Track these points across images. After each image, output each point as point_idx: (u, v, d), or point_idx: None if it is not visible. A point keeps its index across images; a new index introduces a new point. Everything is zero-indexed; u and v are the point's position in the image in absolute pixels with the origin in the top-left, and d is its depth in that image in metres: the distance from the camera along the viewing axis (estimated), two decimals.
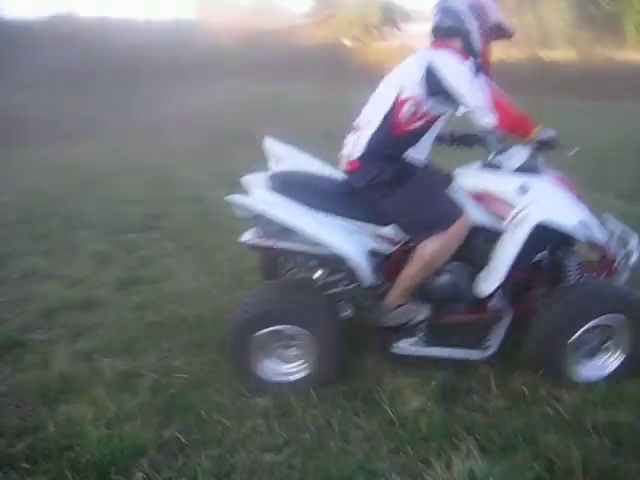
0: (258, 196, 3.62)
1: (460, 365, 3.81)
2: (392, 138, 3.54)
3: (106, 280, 5.53)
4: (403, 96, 3.46)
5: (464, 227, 3.51)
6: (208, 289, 5.31)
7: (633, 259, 3.80)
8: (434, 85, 3.38)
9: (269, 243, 3.60)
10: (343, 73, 23.87)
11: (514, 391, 3.64)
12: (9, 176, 9.80)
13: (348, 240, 3.51)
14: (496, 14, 3.57)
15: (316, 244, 3.45)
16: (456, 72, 3.34)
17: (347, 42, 28.07)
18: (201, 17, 29.15)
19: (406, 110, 3.47)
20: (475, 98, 3.31)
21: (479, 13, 3.53)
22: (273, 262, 4.37)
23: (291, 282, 4.21)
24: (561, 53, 23.36)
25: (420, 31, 33.16)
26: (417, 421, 3.33)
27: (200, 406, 3.50)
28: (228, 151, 11.43)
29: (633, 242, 3.83)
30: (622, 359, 3.64)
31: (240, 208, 3.52)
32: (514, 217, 3.51)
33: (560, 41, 25.35)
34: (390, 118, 3.51)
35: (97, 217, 7.42)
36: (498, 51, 24.03)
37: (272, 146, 3.95)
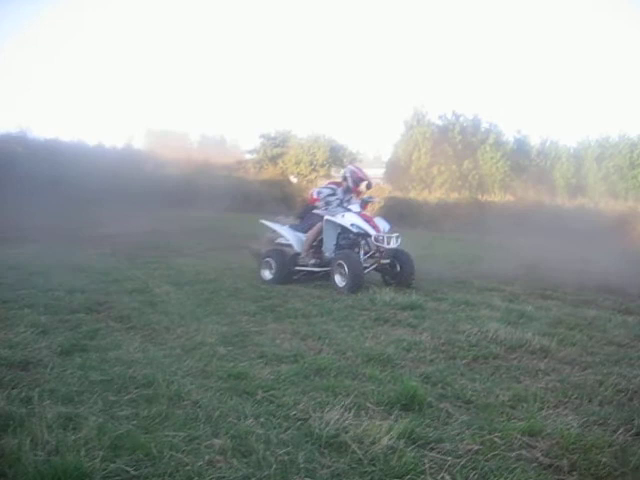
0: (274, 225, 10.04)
1: (433, 417, 3.74)
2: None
3: (48, 346, 5.18)
4: None
5: (318, 228, 9.36)
6: (157, 358, 5.02)
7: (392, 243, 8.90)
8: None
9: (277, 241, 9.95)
10: (288, 207, 24.44)
11: (486, 440, 3.46)
12: None
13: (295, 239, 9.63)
14: (361, 175, 9.83)
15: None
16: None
17: (293, 179, 28.97)
18: (151, 147, 29.70)
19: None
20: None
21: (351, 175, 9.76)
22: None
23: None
24: (497, 197, 24.57)
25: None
26: (388, 460, 3.12)
27: (150, 444, 3.20)
28: (170, 259, 11.35)
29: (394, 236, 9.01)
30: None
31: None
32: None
33: (496, 186, 26.72)
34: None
35: (40, 300, 7.02)
36: (438, 193, 25.46)
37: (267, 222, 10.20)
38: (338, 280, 8.72)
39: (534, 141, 32.12)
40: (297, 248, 9.57)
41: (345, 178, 9.72)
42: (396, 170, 28.88)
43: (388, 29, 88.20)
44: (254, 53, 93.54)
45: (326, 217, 9.27)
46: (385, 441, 3.29)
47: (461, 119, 29.98)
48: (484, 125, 30.45)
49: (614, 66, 73.11)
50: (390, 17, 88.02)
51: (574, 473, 3.12)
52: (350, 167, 10.36)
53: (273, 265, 9.37)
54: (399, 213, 20.40)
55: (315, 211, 9.70)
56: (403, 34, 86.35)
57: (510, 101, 69.91)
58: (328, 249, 9.24)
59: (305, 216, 9.92)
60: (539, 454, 3.32)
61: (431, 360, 5.24)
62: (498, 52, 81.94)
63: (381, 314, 6.86)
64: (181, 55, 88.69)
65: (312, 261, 9.42)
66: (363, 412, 3.85)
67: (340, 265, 8.70)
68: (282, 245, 9.80)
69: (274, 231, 10.02)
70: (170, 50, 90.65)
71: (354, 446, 3.27)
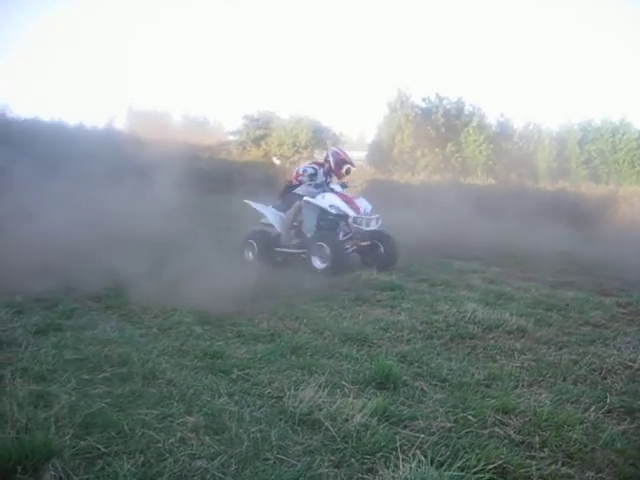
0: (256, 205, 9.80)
1: (407, 395, 3.80)
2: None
3: (23, 325, 5.12)
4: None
5: (296, 208, 9.21)
6: (134, 337, 4.99)
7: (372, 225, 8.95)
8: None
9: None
10: (271, 189, 24.31)
11: (460, 417, 3.48)
12: None
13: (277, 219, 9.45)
14: (344, 156, 9.51)
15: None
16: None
17: (276, 160, 28.79)
18: (132, 128, 29.34)
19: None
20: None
21: (334, 156, 9.49)
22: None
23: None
24: (480, 181, 24.58)
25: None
26: (361, 437, 3.12)
27: (122, 422, 3.18)
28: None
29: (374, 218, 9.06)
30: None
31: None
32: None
33: (479, 169, 26.73)
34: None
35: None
36: (422, 175, 25.44)
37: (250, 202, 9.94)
38: (317, 263, 8.66)
39: (517, 124, 32.20)
40: (279, 229, 9.47)
41: (327, 160, 9.60)
42: (379, 152, 28.76)
43: (372, 10, 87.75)
44: (238, 34, 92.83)
45: (305, 198, 9.22)
46: (358, 418, 3.30)
47: (444, 102, 29.84)
48: (467, 108, 30.34)
49: (597, 50, 73.40)
50: None
51: (545, 449, 3.14)
52: (333, 149, 10.23)
53: (255, 246, 9.32)
54: (384, 196, 20.37)
55: (296, 191, 9.56)
56: (387, 15, 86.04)
57: (493, 85, 69.86)
58: (309, 230, 9.18)
59: (286, 196, 9.75)
60: (511, 431, 3.34)
61: (408, 340, 5.25)
62: (481, 35, 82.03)
63: (360, 294, 6.85)
64: (163, 34, 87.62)
65: (294, 242, 9.33)
66: (338, 390, 3.85)
67: (320, 247, 8.65)
68: (265, 226, 9.69)
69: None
70: (152, 29, 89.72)
71: (327, 423, 3.27)
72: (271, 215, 9.58)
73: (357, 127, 68.39)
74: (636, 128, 33.24)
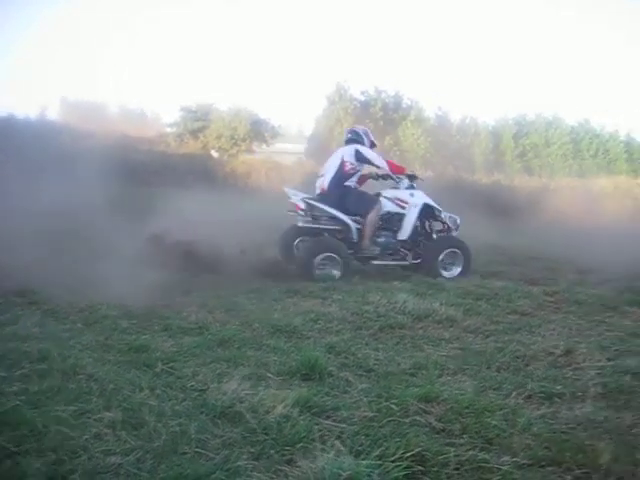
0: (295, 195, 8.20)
1: (332, 385, 3.82)
2: (342, 177, 8.28)
3: None
4: (344, 160, 8.27)
5: (379, 208, 8.23)
6: (56, 332, 4.84)
7: (456, 227, 8.76)
8: (360, 157, 8.30)
9: (316, 225, 8.18)
10: (208, 182, 24.04)
11: (383, 407, 3.49)
12: None
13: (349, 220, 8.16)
14: (371, 137, 8.67)
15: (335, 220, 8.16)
16: (372, 154, 8.43)
17: (214, 153, 28.56)
18: (66, 119, 28.68)
19: (348, 166, 8.26)
20: (381, 162, 8.44)
21: (366, 134, 8.71)
22: (289, 245, 8.57)
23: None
24: (418, 173, 24.84)
25: (285, 148, 34.55)
26: (281, 428, 3.09)
27: (36, 419, 3.07)
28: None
29: (457, 219, 8.77)
30: (460, 270, 8.43)
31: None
32: (410, 205, 8.43)
33: (417, 162, 27.07)
34: (340, 168, 8.27)
35: None
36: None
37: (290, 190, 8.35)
38: (446, 271, 8.33)
39: (454, 118, 32.79)
40: (355, 233, 8.12)
41: (361, 138, 8.54)
42: (318, 145, 28.84)
43: (312, 3, 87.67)
44: (175, 25, 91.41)
45: (392, 195, 8.42)
46: (279, 410, 3.27)
47: (383, 95, 30.21)
48: (406, 102, 30.82)
49: (532, 47, 75.11)
50: None
51: (464, 436, 3.17)
52: (361, 127, 9.08)
53: (339, 259, 7.75)
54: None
55: (349, 184, 8.29)
56: (326, 8, 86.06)
57: (431, 79, 70.84)
58: (405, 233, 8.38)
59: (338, 190, 8.21)
60: (433, 419, 3.37)
61: (338, 331, 5.25)
62: (419, 30, 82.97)
63: (292, 286, 6.83)
64: (98, 22, 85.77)
65: (374, 248, 8.23)
66: (263, 382, 3.82)
67: (453, 253, 8.39)
68: (319, 229, 8.18)
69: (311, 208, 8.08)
70: (87, 16, 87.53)
71: (248, 416, 3.23)
72: (342, 216, 8.09)
73: (296, 120, 68.14)
74: (568, 123, 34.40)
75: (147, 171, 23.34)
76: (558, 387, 4.01)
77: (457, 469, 2.83)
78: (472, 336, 5.29)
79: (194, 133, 29.99)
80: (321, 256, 7.65)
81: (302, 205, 8.05)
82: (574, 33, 74.70)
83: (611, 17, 70.77)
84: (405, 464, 2.77)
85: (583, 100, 64.75)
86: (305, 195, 8.24)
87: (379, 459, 2.80)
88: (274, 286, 6.88)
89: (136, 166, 23.13)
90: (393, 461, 2.79)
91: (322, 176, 8.42)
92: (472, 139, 30.54)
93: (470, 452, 2.97)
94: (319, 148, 28.66)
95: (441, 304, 6.14)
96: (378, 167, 8.53)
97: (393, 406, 3.48)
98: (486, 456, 2.95)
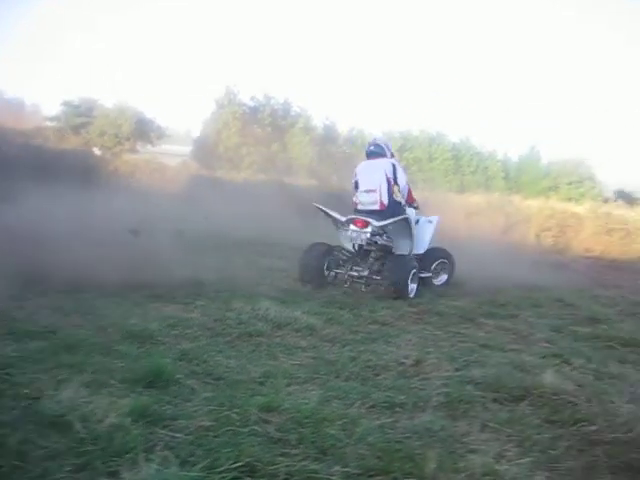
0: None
1: (176, 394, 3.77)
2: (392, 192, 8.36)
3: None
4: (388, 176, 8.30)
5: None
6: None
7: None
8: (394, 174, 8.35)
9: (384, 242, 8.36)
10: (87, 180, 23.21)
11: (223, 416, 3.45)
12: None
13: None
14: (391, 150, 8.78)
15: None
16: (403, 178, 8.52)
17: (97, 151, 27.61)
18: None
19: (392, 182, 8.37)
20: (404, 188, 8.56)
21: (388, 148, 8.70)
22: (319, 267, 8.20)
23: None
24: (303, 181, 25.05)
25: (171, 150, 33.95)
26: (112, 438, 2.99)
27: None
28: None
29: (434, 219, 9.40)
30: (446, 277, 9.19)
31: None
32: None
33: (303, 171, 27.27)
34: (389, 184, 8.31)
35: None
36: (246, 173, 25.47)
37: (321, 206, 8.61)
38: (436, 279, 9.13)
39: (342, 128, 33.29)
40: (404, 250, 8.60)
41: (384, 151, 8.66)
42: (204, 148, 28.53)
43: (204, 6, 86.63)
44: (60, 14, 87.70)
45: (417, 217, 8.95)
46: (111, 419, 3.16)
47: (272, 102, 30.27)
48: (294, 109, 30.99)
49: (417, 64, 77.58)
50: None
51: (300, 446, 3.19)
52: (383, 139, 9.38)
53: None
54: (207, 192, 20.12)
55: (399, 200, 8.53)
56: (218, 13, 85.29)
57: (321, 88, 71.64)
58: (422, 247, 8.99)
59: (395, 205, 8.41)
60: (272, 429, 3.36)
61: (195, 337, 5.17)
62: (311, 41, 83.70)
63: (154, 291, 6.64)
64: None
65: None
66: (103, 390, 3.69)
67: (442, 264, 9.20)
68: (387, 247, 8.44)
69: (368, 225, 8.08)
70: None
71: (78, 425, 3.10)
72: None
73: (185, 122, 67.13)
74: (450, 140, 35.69)
75: (25, 167, 22.23)
76: (402, 397, 4.11)
77: (286, 479, 2.83)
78: (329, 345, 5.34)
79: (76, 129, 28.89)
80: (413, 272, 8.05)
81: (375, 222, 8.02)
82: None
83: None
84: (233, 475, 2.75)
85: (465, 118, 67.35)
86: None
87: (207, 470, 2.76)
88: (135, 290, 6.63)
89: (9, 159, 22.00)
90: (221, 472, 2.76)
91: (370, 191, 8.33)
92: (358, 150, 31.08)
93: (302, 462, 2.99)
94: (206, 151, 28.36)
95: (303, 312, 6.17)
96: (399, 190, 8.51)
97: (234, 415, 3.46)
98: (317, 466, 2.97)
